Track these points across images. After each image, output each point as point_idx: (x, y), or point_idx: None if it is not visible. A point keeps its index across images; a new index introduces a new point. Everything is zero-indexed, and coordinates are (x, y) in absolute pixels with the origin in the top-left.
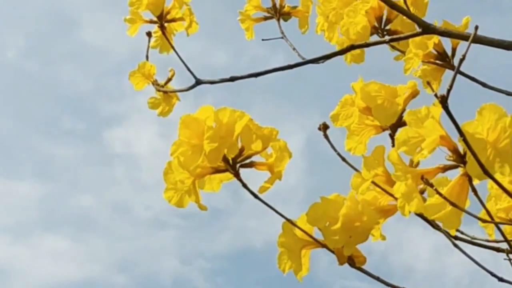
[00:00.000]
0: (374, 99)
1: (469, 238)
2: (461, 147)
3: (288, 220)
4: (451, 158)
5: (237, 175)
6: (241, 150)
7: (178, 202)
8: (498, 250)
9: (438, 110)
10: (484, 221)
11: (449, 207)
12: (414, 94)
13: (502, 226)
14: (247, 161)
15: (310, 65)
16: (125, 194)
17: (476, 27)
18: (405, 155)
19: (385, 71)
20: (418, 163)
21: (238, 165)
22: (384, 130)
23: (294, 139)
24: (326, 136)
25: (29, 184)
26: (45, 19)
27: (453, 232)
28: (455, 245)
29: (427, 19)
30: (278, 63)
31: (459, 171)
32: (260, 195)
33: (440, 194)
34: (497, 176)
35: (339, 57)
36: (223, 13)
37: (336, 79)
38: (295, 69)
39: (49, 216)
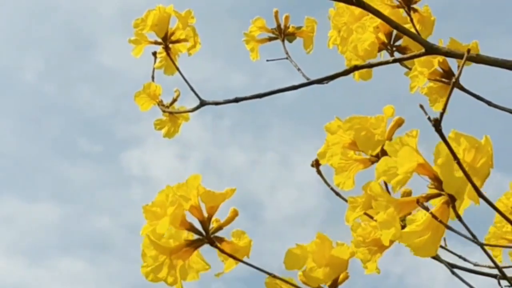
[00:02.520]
0: (358, 132)
1: (470, 266)
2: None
3: (271, 275)
4: (433, 186)
5: (212, 242)
6: (209, 218)
7: (154, 278)
8: (495, 277)
9: (413, 140)
10: (477, 243)
11: (427, 235)
12: (399, 123)
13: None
14: (218, 233)
15: (328, 87)
16: (142, 216)
17: (468, 51)
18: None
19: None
20: (409, 194)
21: (212, 236)
22: (373, 163)
23: (311, 161)
24: (319, 172)
25: (46, 206)
26: (62, 42)
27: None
28: (453, 273)
29: (445, 38)
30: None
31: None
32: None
33: (435, 217)
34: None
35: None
36: (240, 35)
37: (355, 102)
38: (313, 90)
39: (66, 238)
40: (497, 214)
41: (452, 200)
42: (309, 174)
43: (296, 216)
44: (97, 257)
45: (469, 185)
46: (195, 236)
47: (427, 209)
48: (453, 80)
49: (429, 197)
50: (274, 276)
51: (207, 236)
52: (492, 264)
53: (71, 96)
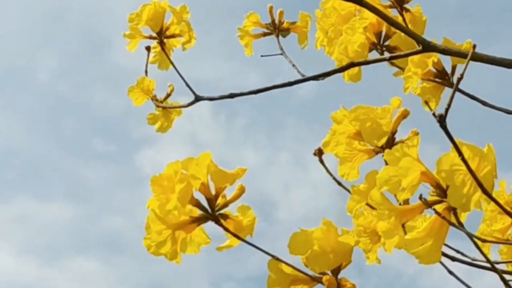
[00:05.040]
0: (363, 122)
1: (469, 260)
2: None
3: (274, 257)
4: (434, 194)
5: (217, 220)
6: (216, 196)
7: (155, 252)
8: (496, 271)
9: (414, 150)
10: (483, 240)
11: (429, 242)
12: (405, 115)
13: (499, 248)
14: (223, 211)
15: (343, 87)
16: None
17: (474, 46)
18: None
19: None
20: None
21: (216, 213)
22: (377, 153)
23: (325, 160)
24: (321, 161)
25: (60, 206)
26: (77, 41)
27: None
28: (451, 273)
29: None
30: (310, 84)
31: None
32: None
33: (438, 214)
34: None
35: (367, 78)
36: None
37: (370, 102)
38: (327, 90)
39: (80, 238)
40: (486, 212)
41: (454, 208)
42: (322, 173)
43: (310, 216)
44: (110, 257)
45: (475, 196)
46: (200, 212)
47: (439, 213)
48: (458, 76)
49: (431, 204)
50: (277, 259)
51: (212, 214)
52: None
53: (85, 96)
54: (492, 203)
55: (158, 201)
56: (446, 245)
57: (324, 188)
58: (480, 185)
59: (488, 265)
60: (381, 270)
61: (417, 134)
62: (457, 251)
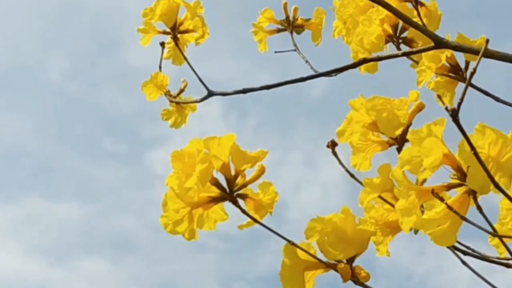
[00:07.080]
0: (380, 113)
1: (479, 255)
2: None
3: (290, 242)
4: (455, 177)
5: (235, 201)
6: (235, 176)
7: (172, 230)
8: (507, 266)
9: (440, 128)
10: (493, 235)
11: (446, 224)
12: (420, 108)
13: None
14: (242, 191)
15: (355, 86)
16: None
17: (487, 41)
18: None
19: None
20: (424, 181)
21: (235, 193)
22: (390, 145)
23: (336, 160)
24: (334, 153)
25: (70, 205)
26: (88, 41)
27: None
28: (464, 263)
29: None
30: (322, 84)
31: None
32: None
33: (450, 207)
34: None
35: (380, 74)
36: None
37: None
38: (339, 90)
39: (89, 238)
40: (501, 211)
41: (473, 192)
42: (333, 173)
43: (320, 216)
44: (120, 257)
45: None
46: (218, 191)
47: (442, 199)
48: (471, 70)
49: (451, 187)
50: (293, 244)
51: (230, 194)
52: (500, 257)
53: (96, 96)
54: (507, 201)
55: (177, 179)
56: (457, 241)
57: (334, 188)
58: (484, 167)
59: (501, 261)
60: (391, 270)
61: None
62: (468, 247)
